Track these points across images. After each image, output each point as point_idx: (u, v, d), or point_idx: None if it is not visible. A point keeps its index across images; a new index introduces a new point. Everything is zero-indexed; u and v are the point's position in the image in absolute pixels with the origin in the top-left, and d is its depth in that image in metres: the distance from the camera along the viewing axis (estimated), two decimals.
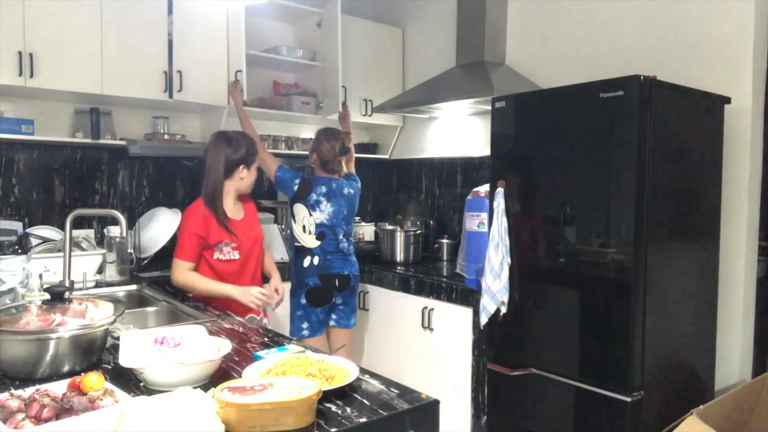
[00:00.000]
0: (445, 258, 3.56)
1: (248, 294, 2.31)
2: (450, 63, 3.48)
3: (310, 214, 2.84)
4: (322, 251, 2.85)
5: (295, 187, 2.84)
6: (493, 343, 2.57)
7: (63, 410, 1.10)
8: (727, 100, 2.41)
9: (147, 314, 2.30)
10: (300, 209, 2.85)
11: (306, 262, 2.85)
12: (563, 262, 2.28)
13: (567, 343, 2.26)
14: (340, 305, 2.94)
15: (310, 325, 2.86)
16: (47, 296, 1.51)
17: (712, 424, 1.97)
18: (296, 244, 2.88)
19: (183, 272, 2.33)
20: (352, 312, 3.01)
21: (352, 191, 2.96)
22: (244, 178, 2.42)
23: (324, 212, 2.85)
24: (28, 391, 1.15)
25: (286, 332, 2.87)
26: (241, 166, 2.40)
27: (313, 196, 2.84)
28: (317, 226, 2.84)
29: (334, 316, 2.95)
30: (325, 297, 2.87)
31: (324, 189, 2.86)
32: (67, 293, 1.52)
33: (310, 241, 2.85)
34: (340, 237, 2.90)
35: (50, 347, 1.35)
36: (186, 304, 2.26)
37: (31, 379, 1.34)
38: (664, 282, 2.18)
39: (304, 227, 2.85)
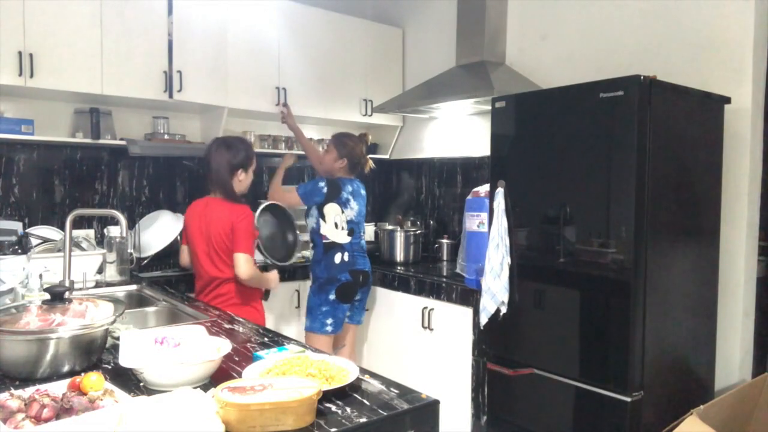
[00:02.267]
0: (445, 258, 3.56)
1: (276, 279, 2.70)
2: (450, 63, 3.48)
3: (342, 212, 2.95)
4: (351, 247, 2.97)
5: (324, 190, 2.93)
6: (493, 343, 2.57)
7: (63, 410, 1.10)
8: (727, 100, 2.41)
9: (147, 314, 2.29)
10: (332, 208, 2.94)
11: (337, 259, 2.94)
12: (563, 262, 2.28)
13: (567, 343, 2.26)
14: (357, 301, 3.05)
15: (335, 321, 2.93)
16: (47, 296, 1.51)
17: (712, 424, 1.97)
18: (324, 241, 2.95)
19: (252, 266, 2.54)
20: (364, 308, 3.13)
21: (364, 193, 3.10)
22: (242, 181, 2.62)
23: (353, 210, 2.99)
24: (28, 391, 1.15)
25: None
26: (240, 170, 2.59)
27: (344, 194, 2.95)
28: (348, 222, 2.97)
29: (348, 313, 3.04)
30: (354, 292, 2.98)
31: (350, 188, 3.00)
32: (67, 293, 1.51)
33: (343, 237, 2.96)
34: (361, 234, 3.05)
35: (50, 347, 1.35)
36: (186, 304, 2.26)
37: (31, 379, 1.34)
38: (664, 282, 2.18)
39: (336, 224, 2.94)
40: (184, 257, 2.77)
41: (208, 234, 2.55)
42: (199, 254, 2.59)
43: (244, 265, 2.47)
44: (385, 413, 1.18)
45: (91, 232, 3.09)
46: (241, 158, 2.57)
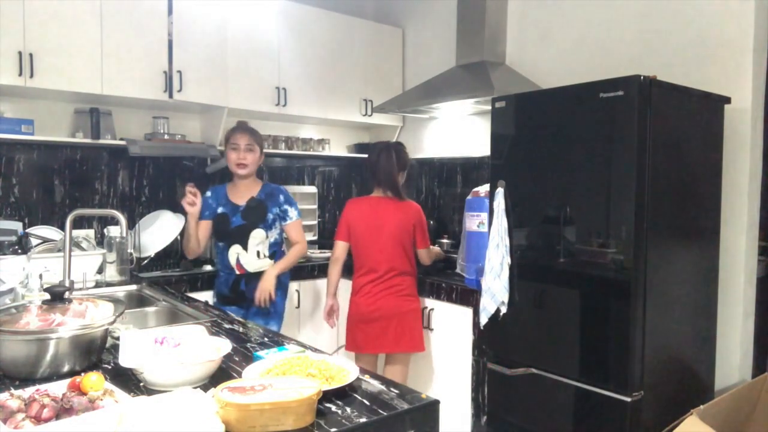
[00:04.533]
0: None
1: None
2: (450, 63, 3.48)
3: None
4: None
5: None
6: (493, 343, 2.57)
7: (63, 410, 1.10)
8: (727, 100, 2.41)
9: (147, 314, 2.30)
10: None
11: None
12: (563, 262, 2.28)
13: (567, 343, 2.26)
14: None
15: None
16: (47, 296, 1.51)
17: (712, 424, 1.97)
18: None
19: (432, 253, 3.04)
20: None
21: None
22: (400, 181, 2.92)
23: None
24: (28, 391, 1.15)
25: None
26: (402, 172, 2.93)
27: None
28: None
29: None
30: None
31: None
32: (67, 293, 1.51)
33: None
34: None
35: (50, 347, 1.35)
36: (186, 304, 2.26)
37: (31, 379, 1.34)
38: (664, 282, 2.18)
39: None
40: (339, 252, 2.93)
41: (384, 230, 2.83)
42: (370, 248, 2.85)
43: (427, 255, 2.98)
44: (385, 413, 1.18)
45: (91, 232, 3.08)
46: (403, 161, 2.92)
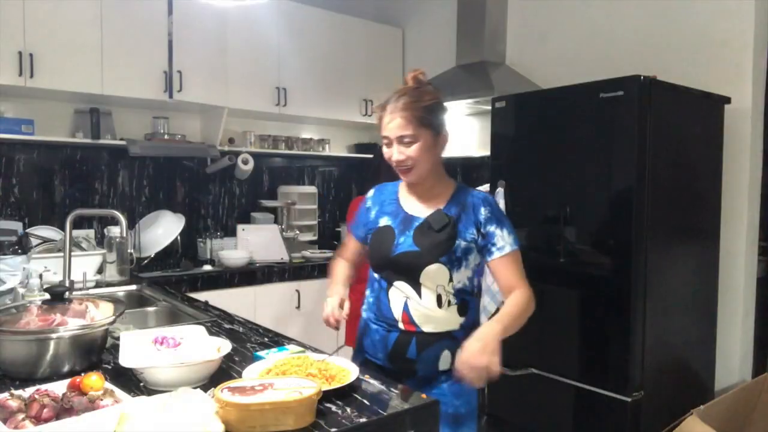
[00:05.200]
0: None
1: None
2: (450, 63, 3.48)
3: None
4: None
5: None
6: None
7: (63, 410, 1.10)
8: (727, 100, 2.41)
9: (147, 314, 2.29)
10: None
11: None
12: (563, 262, 2.28)
13: (567, 343, 2.26)
14: None
15: None
16: (47, 296, 1.51)
17: (712, 424, 1.97)
18: None
19: None
20: None
21: None
22: None
23: None
24: (28, 391, 1.15)
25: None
26: None
27: None
28: None
29: None
30: None
31: None
32: (67, 293, 1.51)
33: None
34: None
35: (50, 347, 1.35)
36: (186, 304, 2.26)
37: (31, 379, 1.33)
38: (664, 282, 2.18)
39: None
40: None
41: None
42: None
43: None
44: (385, 413, 1.18)
45: (91, 232, 3.08)
46: None
